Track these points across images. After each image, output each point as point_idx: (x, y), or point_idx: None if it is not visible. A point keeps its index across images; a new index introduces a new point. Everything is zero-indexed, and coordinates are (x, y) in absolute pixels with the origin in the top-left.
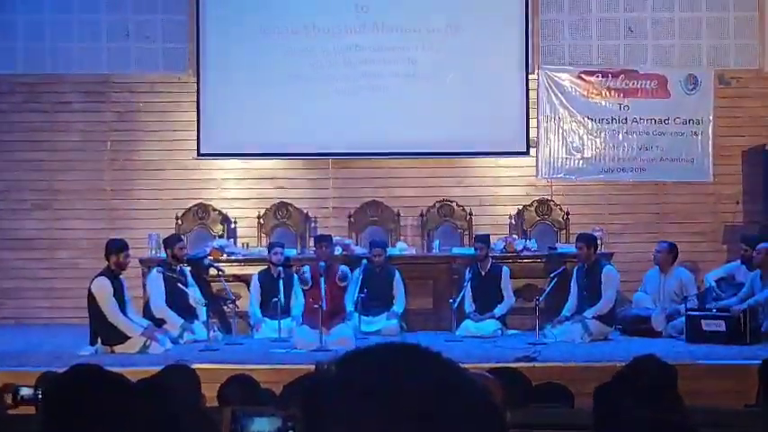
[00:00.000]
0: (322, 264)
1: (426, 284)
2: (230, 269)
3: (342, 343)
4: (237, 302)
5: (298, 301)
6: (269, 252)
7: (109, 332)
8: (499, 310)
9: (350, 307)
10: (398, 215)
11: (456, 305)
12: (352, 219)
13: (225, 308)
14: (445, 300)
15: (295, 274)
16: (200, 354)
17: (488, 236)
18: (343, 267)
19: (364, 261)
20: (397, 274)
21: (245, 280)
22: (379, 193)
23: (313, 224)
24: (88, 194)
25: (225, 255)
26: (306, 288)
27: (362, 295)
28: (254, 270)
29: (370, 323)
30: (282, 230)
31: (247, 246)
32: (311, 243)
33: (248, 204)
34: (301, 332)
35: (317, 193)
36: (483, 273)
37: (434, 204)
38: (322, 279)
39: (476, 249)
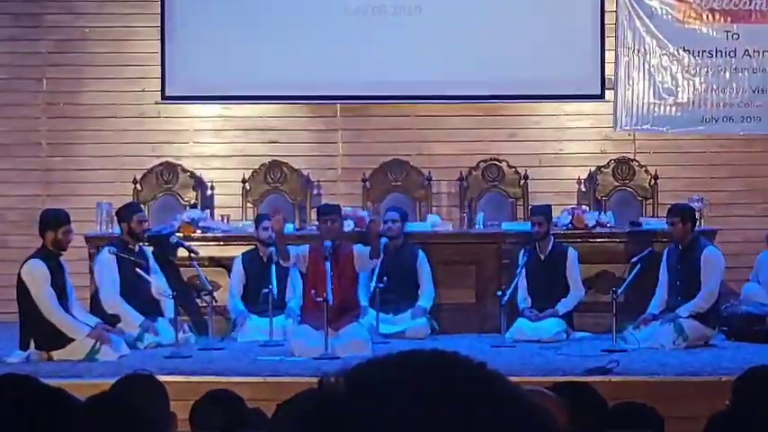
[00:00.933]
0: (327, 243)
1: (467, 271)
2: (206, 250)
3: (354, 348)
4: (216, 294)
5: (295, 293)
6: (256, 227)
7: (45, 332)
8: (563, 305)
9: (364, 301)
10: (430, 179)
11: (506, 299)
12: (367, 184)
13: (199, 301)
14: (492, 292)
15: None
16: (166, 362)
17: (550, 207)
18: (360, 247)
19: (384, 239)
20: (421, 255)
21: (226, 265)
22: (405, 149)
23: (316, 191)
24: (17, 150)
25: (199, 231)
26: (285, 264)
27: (381, 285)
28: (237, 251)
29: (390, 322)
30: (275, 198)
31: (228, 219)
32: (313, 216)
33: (230, 164)
34: (300, 333)
35: (322, 149)
36: (542, 256)
37: (478, 165)
38: (327, 264)
39: (533, 225)
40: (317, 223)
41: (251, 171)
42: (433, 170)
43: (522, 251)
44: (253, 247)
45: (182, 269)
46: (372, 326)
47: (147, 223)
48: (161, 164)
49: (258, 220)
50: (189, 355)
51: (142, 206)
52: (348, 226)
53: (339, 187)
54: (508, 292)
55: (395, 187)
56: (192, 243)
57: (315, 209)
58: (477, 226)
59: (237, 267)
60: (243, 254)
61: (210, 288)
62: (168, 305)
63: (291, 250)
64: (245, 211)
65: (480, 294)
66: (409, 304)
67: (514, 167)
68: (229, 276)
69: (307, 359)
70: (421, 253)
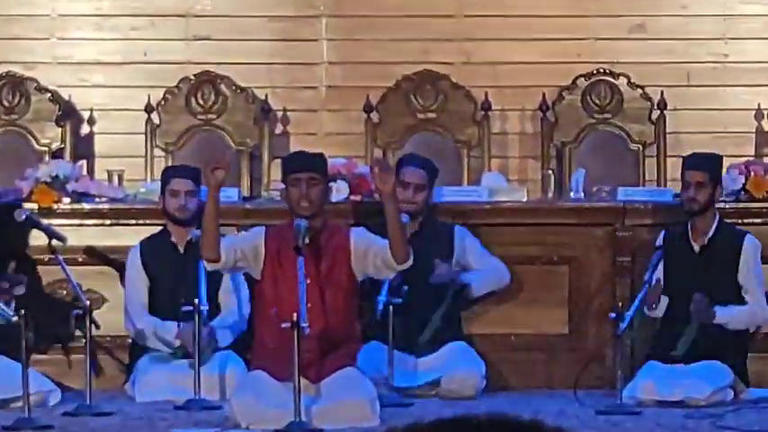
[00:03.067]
0: (301, 223)
1: (554, 277)
2: (80, 234)
3: (348, 415)
4: (98, 315)
5: (240, 311)
6: (162, 190)
7: None
8: (730, 313)
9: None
10: (487, 108)
11: (626, 326)
12: (373, 115)
13: (70, 325)
14: (599, 313)
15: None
16: None
17: (719, 158)
18: (360, 231)
19: (405, 216)
20: (467, 240)
21: (118, 262)
22: (441, 52)
23: (280, 128)
24: None
25: (67, 199)
26: (213, 267)
27: (398, 301)
28: (133, 239)
29: (413, 368)
30: (206, 140)
31: (121, 179)
32: (275, 174)
33: (124, 78)
34: (250, 387)
35: (292, 53)
36: (697, 247)
37: (575, 82)
38: (300, 261)
39: (685, 188)
40: (280, 187)
41: (162, 91)
42: (494, 91)
43: (660, 239)
44: (160, 227)
45: (39, 268)
46: (381, 374)
47: None
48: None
49: (165, 175)
50: (48, 425)
51: None
52: (340, 193)
53: (322, 121)
54: (629, 314)
55: (423, 123)
56: (56, 221)
57: (277, 160)
58: (572, 193)
59: (134, 263)
60: (143, 242)
61: (87, 303)
62: (10, 336)
63: (228, 241)
64: (150, 163)
65: (577, 319)
66: (447, 334)
67: (641, 87)
68: (122, 283)
69: None
70: (467, 237)
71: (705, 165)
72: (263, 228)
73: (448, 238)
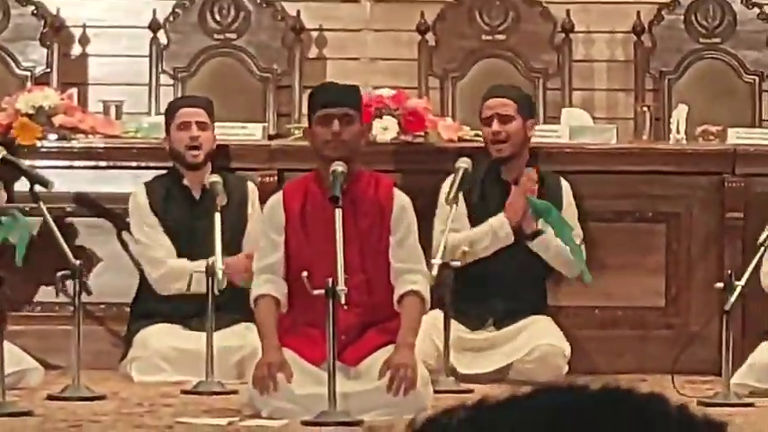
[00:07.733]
0: (338, 167)
1: (649, 237)
2: (69, 179)
3: (392, 403)
4: (90, 277)
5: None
6: (168, 126)
7: None
8: None
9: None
10: (568, 28)
11: (735, 296)
12: (428, 36)
13: (56, 290)
14: (704, 282)
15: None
16: None
17: None
18: (404, 200)
19: (463, 164)
20: (566, 188)
21: (113, 214)
22: None
23: (315, 50)
24: None
25: (53, 136)
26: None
27: (457, 263)
28: (134, 185)
29: (475, 348)
30: (221, 65)
31: (119, 111)
32: (304, 108)
33: None
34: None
35: None
36: None
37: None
38: (339, 212)
39: None
40: (307, 125)
41: (171, 4)
42: (576, 8)
43: None
44: (167, 168)
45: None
46: (435, 353)
47: None
48: None
49: (171, 108)
50: (27, 410)
51: None
52: (387, 132)
53: (366, 43)
54: (740, 284)
55: (490, 46)
56: (39, 163)
57: (308, 92)
58: (672, 135)
59: (139, 203)
60: (147, 183)
61: (77, 263)
62: None
63: (263, 264)
64: (155, 92)
65: (676, 289)
66: (525, 305)
67: (759, 5)
68: (119, 238)
69: (287, 424)
70: (566, 185)
71: None
72: (279, 194)
73: (556, 191)
